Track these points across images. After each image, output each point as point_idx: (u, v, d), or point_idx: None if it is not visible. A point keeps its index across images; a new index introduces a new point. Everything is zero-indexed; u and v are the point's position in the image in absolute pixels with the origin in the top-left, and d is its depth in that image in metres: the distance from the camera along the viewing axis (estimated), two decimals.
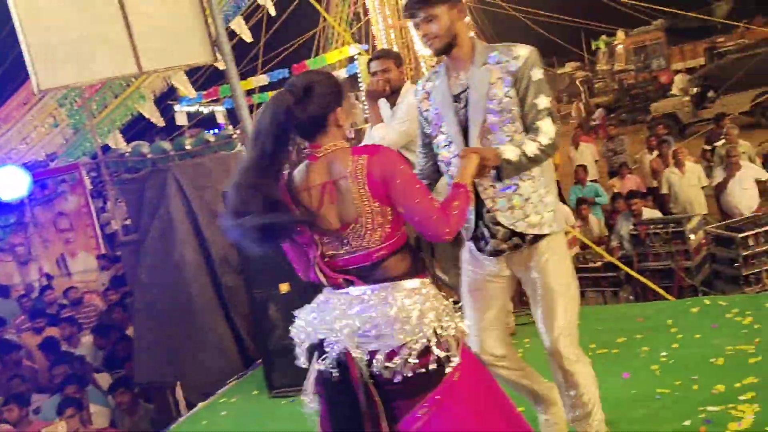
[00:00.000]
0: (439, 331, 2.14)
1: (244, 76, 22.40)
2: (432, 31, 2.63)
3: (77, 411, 5.00)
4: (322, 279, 2.23)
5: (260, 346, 4.31)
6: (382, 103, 4.10)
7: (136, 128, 20.92)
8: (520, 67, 2.58)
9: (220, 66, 16.60)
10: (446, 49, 2.67)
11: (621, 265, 6.45)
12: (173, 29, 4.56)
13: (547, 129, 2.55)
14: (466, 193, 2.31)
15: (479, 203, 2.66)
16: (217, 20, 4.83)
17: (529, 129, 2.58)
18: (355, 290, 2.20)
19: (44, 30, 3.58)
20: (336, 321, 2.16)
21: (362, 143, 4.11)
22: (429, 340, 2.11)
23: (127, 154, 14.44)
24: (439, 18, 2.61)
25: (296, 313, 2.34)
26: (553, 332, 2.66)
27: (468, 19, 3.01)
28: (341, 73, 20.88)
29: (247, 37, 20.61)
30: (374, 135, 3.96)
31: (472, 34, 2.69)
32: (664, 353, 3.57)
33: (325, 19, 20.45)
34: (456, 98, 2.70)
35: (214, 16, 4.83)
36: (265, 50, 21.53)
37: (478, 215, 2.68)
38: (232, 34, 20.65)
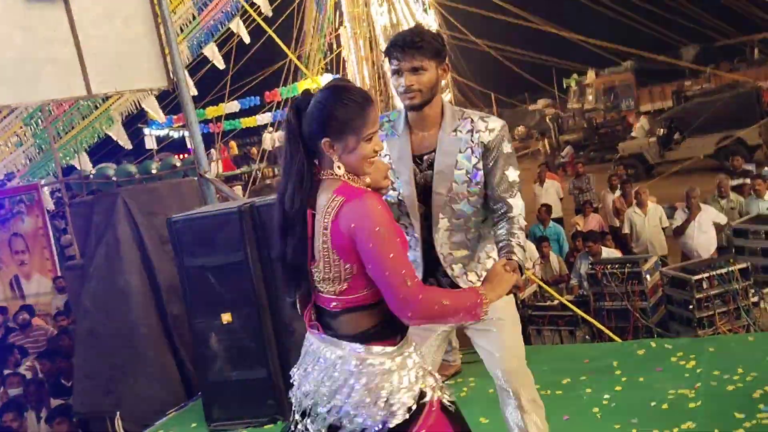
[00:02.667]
0: (392, 405, 1.95)
1: (215, 102, 22.36)
2: (415, 85, 2.50)
3: None
4: (313, 314, 2.10)
5: (200, 378, 4.19)
6: None
7: (105, 150, 20.71)
8: (492, 140, 2.55)
9: (191, 91, 16.44)
10: (424, 105, 2.56)
11: (573, 307, 6.44)
12: (127, 52, 4.52)
13: (519, 204, 2.56)
14: (473, 309, 2.01)
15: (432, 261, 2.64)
16: (173, 45, 4.78)
17: (497, 201, 2.56)
18: (313, 339, 2.08)
19: None
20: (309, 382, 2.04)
21: None
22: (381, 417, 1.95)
23: (91, 175, 14.19)
24: (427, 71, 2.51)
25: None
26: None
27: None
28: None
29: (220, 63, 20.63)
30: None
31: (447, 95, 2.65)
32: (606, 395, 3.54)
33: (296, 48, 20.53)
34: (418, 159, 2.60)
35: (170, 41, 4.79)
36: (237, 77, 21.53)
37: (428, 265, 2.64)
38: (204, 60, 20.74)
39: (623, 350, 4.22)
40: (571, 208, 12.23)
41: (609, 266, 6.86)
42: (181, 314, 4.87)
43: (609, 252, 7.86)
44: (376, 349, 1.99)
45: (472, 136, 2.54)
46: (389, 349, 1.99)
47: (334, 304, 2.03)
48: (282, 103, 21.31)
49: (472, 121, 2.57)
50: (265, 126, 22.60)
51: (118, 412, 4.82)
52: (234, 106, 22.62)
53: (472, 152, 2.54)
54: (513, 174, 2.54)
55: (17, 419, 5.49)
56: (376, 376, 1.96)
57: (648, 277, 6.69)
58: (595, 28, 23.13)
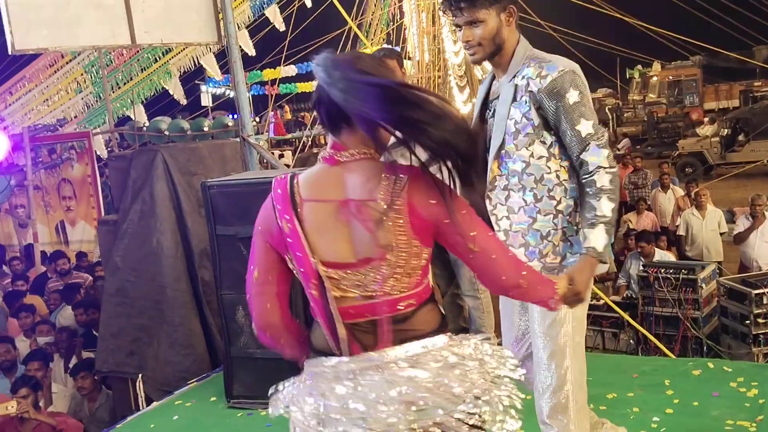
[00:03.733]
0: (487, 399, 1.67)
1: (272, 65, 22.24)
2: (475, 38, 2.31)
3: (32, 392, 4.74)
4: (340, 333, 1.67)
5: (224, 351, 4.02)
6: None
7: (161, 104, 20.85)
8: (544, 88, 2.27)
9: (249, 52, 16.33)
10: (486, 58, 2.38)
11: (620, 311, 6.11)
12: (177, 4, 4.31)
13: (595, 158, 2.23)
14: (545, 293, 1.82)
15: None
16: (227, 1, 4.55)
17: (577, 161, 2.29)
18: (378, 356, 1.65)
19: None
20: (375, 407, 1.61)
21: None
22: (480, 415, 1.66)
23: (144, 127, 14.33)
24: (486, 23, 2.30)
25: (283, 397, 1.77)
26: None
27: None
28: None
29: (280, 25, 20.48)
30: None
31: (519, 38, 2.37)
32: (656, 418, 3.24)
33: (358, 16, 20.20)
34: (487, 104, 2.47)
35: None
36: (297, 41, 21.33)
37: None
38: (265, 21, 20.60)
39: (677, 368, 3.89)
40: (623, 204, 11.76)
41: (663, 270, 6.50)
42: (212, 281, 4.70)
43: (662, 254, 7.46)
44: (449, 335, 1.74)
45: (527, 82, 2.30)
46: (450, 336, 1.75)
47: (407, 302, 1.69)
48: None
49: (533, 66, 2.31)
50: None
51: (140, 375, 4.71)
52: (291, 69, 22.46)
53: (525, 101, 2.30)
54: (585, 126, 2.25)
55: (42, 369, 5.43)
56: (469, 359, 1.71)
57: (704, 285, 6.32)
58: (666, 18, 22.25)
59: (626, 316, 6.00)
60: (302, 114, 27.23)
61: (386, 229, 1.65)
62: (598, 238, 2.18)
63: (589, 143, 2.24)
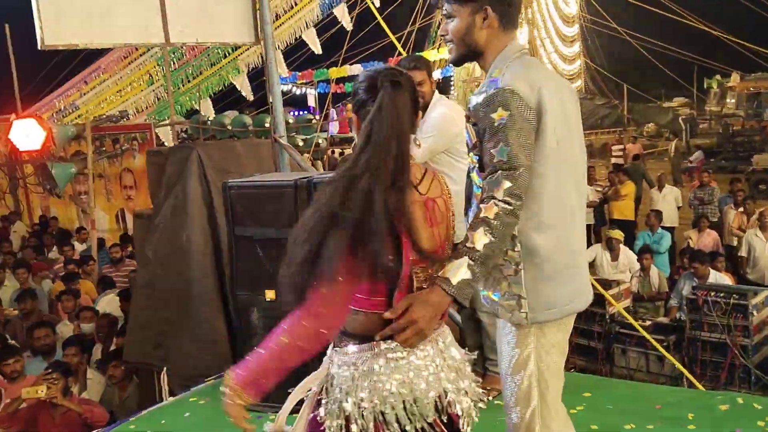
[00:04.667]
0: None
1: (338, 64, 22.41)
2: (446, 32, 2.24)
3: (62, 377, 4.86)
4: None
5: (237, 351, 4.01)
6: None
7: (228, 99, 21.28)
8: (475, 106, 2.11)
9: (316, 50, 16.50)
10: (462, 59, 2.27)
11: (646, 335, 5.83)
12: (213, 3, 4.33)
13: (493, 188, 2.00)
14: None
15: None
16: (264, 1, 4.55)
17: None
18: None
19: None
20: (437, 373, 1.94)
21: None
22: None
23: (209, 121, 14.61)
24: (456, 20, 2.20)
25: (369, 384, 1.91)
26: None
27: (490, 25, 2.52)
28: (436, 74, 20.58)
29: (348, 24, 20.60)
30: None
31: (508, 45, 2.19)
32: None
33: (416, 20, 20.10)
34: None
35: None
36: (363, 40, 21.42)
37: None
38: (333, 20, 20.76)
39: (704, 401, 3.68)
40: (688, 220, 11.30)
41: (713, 293, 6.19)
42: None
43: (718, 276, 7.11)
44: None
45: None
46: None
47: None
48: None
49: (485, 81, 2.16)
50: None
51: (165, 368, 4.78)
52: (357, 69, 22.59)
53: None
54: (498, 152, 2.02)
55: (78, 354, 5.57)
56: None
57: (755, 312, 5.98)
58: (749, 29, 21.33)
59: (663, 351, 5.73)
60: None
61: (446, 223, 2.02)
62: (456, 271, 1.91)
63: (495, 169, 2.02)
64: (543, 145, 2.10)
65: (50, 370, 4.90)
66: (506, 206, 1.97)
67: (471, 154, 2.18)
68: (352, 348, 1.93)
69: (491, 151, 2.03)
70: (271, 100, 5.03)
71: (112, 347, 5.96)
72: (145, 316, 4.85)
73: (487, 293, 2.22)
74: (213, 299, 4.72)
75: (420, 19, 19.76)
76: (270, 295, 3.72)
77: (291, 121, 15.35)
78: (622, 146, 20.25)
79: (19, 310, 7.00)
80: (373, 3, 19.57)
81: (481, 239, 1.94)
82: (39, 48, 3.32)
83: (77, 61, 19.68)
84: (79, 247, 9.85)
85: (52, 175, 8.54)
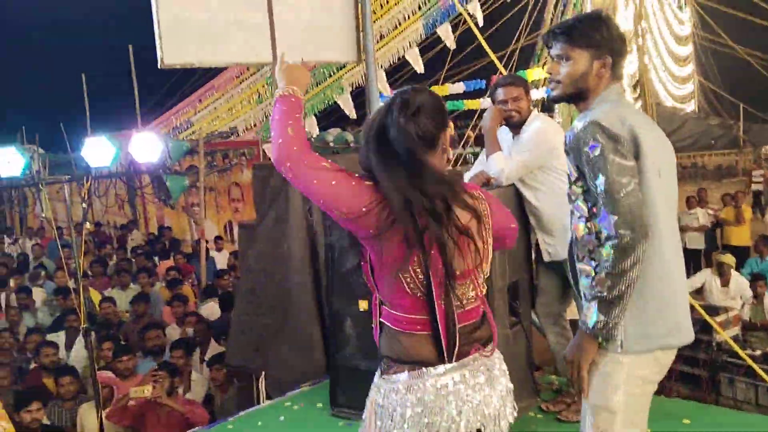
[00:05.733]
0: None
1: (440, 82, 22.54)
2: (559, 74, 2.24)
3: (169, 377, 5.14)
4: (452, 338, 1.93)
5: (331, 359, 4.13)
6: (503, 130, 3.75)
7: (333, 117, 21.82)
8: (570, 141, 2.15)
9: (418, 69, 16.72)
10: (565, 100, 2.28)
11: (749, 361, 5.50)
12: (319, 23, 4.50)
13: (605, 225, 2.04)
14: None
15: None
16: (368, 19, 4.70)
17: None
18: (475, 362, 1.98)
19: (177, 5, 3.63)
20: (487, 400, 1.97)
21: (472, 171, 3.80)
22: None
23: (312, 139, 15.00)
24: (574, 62, 2.20)
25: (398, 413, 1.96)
26: None
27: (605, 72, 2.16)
28: (540, 93, 20.37)
29: (451, 44, 20.72)
30: (491, 165, 3.61)
31: (606, 92, 2.22)
32: None
33: (528, 35, 19.89)
34: None
35: (365, 15, 4.72)
36: (466, 58, 21.46)
37: None
38: (437, 39, 20.94)
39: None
40: None
41: None
42: None
43: None
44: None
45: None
46: None
47: (482, 307, 2.05)
48: None
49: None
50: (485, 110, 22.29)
51: (263, 373, 4.96)
52: (459, 87, 22.63)
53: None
54: (600, 182, 2.11)
55: (184, 357, 5.87)
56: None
57: None
58: None
59: (763, 374, 5.42)
60: (466, 130, 27.27)
61: (482, 240, 1.99)
62: (589, 314, 2.08)
63: (600, 207, 2.06)
64: (645, 177, 2.10)
65: (158, 369, 5.21)
66: (620, 241, 2.00)
67: (572, 186, 2.20)
68: (402, 376, 1.94)
69: (594, 183, 2.07)
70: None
71: (209, 351, 6.26)
72: (247, 322, 5.06)
73: (585, 317, 2.19)
74: (310, 308, 4.86)
75: (525, 37, 19.56)
76: (363, 305, 3.82)
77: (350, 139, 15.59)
78: (761, 171, 19.15)
79: (131, 313, 7.45)
80: (475, 23, 19.64)
81: (604, 282, 2.03)
82: (159, 67, 3.58)
83: (192, 80, 20.76)
84: (218, 257, 10.31)
85: (167, 186, 9.04)
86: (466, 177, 3.64)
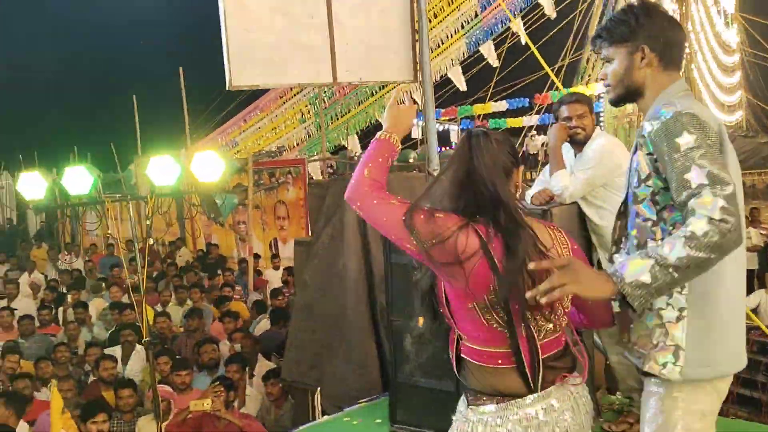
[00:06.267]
0: None
1: (483, 100, 22.56)
2: (605, 76, 2.26)
3: (225, 392, 5.22)
4: (538, 368, 1.96)
5: (391, 376, 4.16)
6: (566, 147, 3.76)
7: (371, 137, 21.91)
8: (652, 131, 2.00)
9: (461, 87, 16.82)
10: (621, 100, 2.26)
11: None
12: (377, 44, 4.60)
13: (706, 205, 1.78)
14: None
15: None
16: (424, 40, 4.78)
17: (681, 211, 1.91)
18: (559, 390, 2.00)
19: (245, 30, 3.76)
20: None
21: (533, 188, 3.82)
22: None
23: (355, 157, 15.08)
24: (615, 62, 2.20)
25: None
26: None
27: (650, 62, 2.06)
28: None
29: (494, 61, 20.75)
30: (555, 182, 3.63)
31: (671, 83, 2.14)
32: None
33: (573, 52, 19.79)
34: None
35: (422, 36, 4.80)
36: (509, 77, 21.46)
37: None
38: (479, 58, 20.98)
39: None
40: None
41: None
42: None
43: None
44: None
45: (642, 128, 2.08)
46: None
47: (564, 337, 2.07)
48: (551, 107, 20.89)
49: (654, 108, 2.13)
50: (530, 128, 22.24)
51: (319, 388, 5.01)
52: (502, 105, 22.65)
53: (640, 148, 2.12)
54: (696, 176, 1.87)
55: (239, 372, 5.96)
56: None
57: None
58: None
59: None
60: None
61: None
62: (636, 270, 1.78)
63: (701, 192, 1.82)
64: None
65: (218, 383, 5.30)
66: (724, 224, 1.75)
67: (642, 185, 2.10)
68: (489, 407, 1.97)
69: (684, 176, 1.87)
70: (423, 136, 5.21)
71: (257, 368, 6.35)
72: (302, 338, 5.13)
73: (636, 341, 2.13)
74: (365, 325, 4.91)
75: (570, 55, 19.49)
76: (422, 321, 3.84)
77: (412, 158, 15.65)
78: None
79: (185, 327, 7.60)
80: (519, 41, 19.57)
81: (677, 249, 1.76)
82: (227, 88, 3.70)
83: (237, 102, 21.14)
84: (271, 274, 10.47)
85: (216, 204, 9.21)
86: (528, 195, 3.67)
